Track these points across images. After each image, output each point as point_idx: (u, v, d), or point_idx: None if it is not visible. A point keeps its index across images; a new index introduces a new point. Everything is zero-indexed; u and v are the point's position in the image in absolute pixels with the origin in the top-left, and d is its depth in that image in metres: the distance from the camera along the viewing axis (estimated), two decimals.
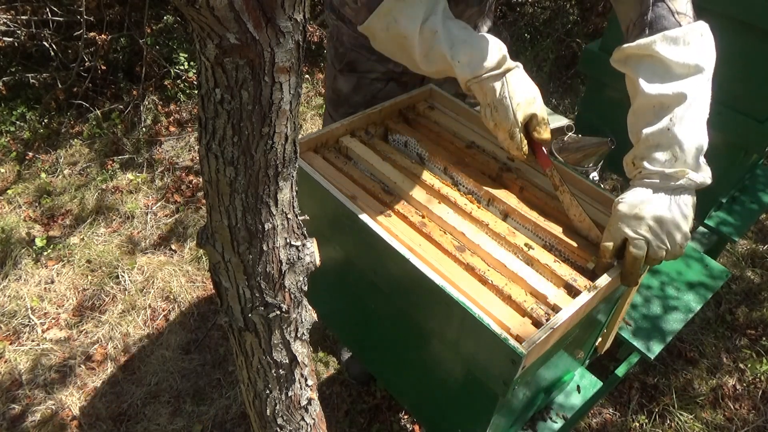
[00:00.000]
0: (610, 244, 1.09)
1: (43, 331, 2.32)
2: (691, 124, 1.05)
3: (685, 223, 1.06)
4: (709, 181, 1.07)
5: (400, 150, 1.41)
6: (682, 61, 1.05)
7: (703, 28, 1.07)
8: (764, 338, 2.41)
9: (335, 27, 1.61)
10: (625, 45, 1.10)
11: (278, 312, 0.88)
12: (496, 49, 1.18)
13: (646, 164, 1.08)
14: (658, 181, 1.07)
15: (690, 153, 1.05)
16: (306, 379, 1.03)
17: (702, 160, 1.07)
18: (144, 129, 3.23)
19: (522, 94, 1.18)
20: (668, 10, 1.07)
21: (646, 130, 1.07)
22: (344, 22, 1.55)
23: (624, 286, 1.15)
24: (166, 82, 3.33)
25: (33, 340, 2.29)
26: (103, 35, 3.06)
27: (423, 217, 1.22)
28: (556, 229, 1.21)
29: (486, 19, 1.61)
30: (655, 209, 1.05)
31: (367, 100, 1.61)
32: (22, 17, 3.04)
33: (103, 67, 3.18)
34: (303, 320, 0.95)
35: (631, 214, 1.07)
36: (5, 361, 2.21)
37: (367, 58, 1.58)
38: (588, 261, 1.15)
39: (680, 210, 1.05)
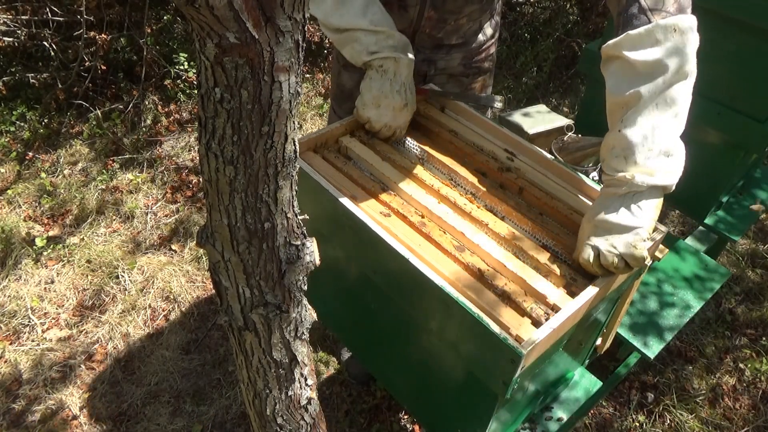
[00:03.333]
0: (575, 255, 1.13)
1: (43, 331, 2.32)
2: (642, 125, 1.03)
3: (637, 222, 1.04)
4: (666, 182, 1.04)
5: (400, 150, 1.41)
6: (643, 60, 1.03)
7: (678, 23, 1.03)
8: (764, 338, 2.41)
9: None
10: (603, 46, 1.10)
11: (278, 311, 0.88)
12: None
13: (604, 167, 1.09)
14: (611, 188, 1.08)
15: (641, 153, 1.03)
16: (306, 379, 1.03)
17: (664, 160, 1.04)
18: (144, 129, 3.23)
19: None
20: (640, 8, 1.05)
21: (608, 132, 1.09)
22: None
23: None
24: (166, 82, 3.33)
25: (33, 340, 2.29)
26: (103, 35, 3.06)
27: (423, 217, 1.22)
28: (553, 229, 1.21)
29: (490, 18, 1.60)
30: (602, 215, 1.07)
31: None
32: (22, 17, 3.04)
33: (103, 67, 3.18)
34: (303, 319, 0.95)
35: (585, 222, 1.11)
36: (5, 361, 2.21)
37: None
38: None
39: (630, 213, 1.05)
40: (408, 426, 2.08)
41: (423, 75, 1.60)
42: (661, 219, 2.93)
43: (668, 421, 2.12)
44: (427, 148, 1.38)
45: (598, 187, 1.27)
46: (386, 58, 1.33)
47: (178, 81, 3.35)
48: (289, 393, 1.02)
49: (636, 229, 1.04)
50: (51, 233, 2.71)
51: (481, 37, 1.60)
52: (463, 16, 1.49)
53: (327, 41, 3.64)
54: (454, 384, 1.20)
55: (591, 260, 1.07)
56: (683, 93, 1.05)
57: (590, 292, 1.06)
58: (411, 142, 1.40)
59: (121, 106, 3.26)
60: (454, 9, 1.46)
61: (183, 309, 2.42)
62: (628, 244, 1.04)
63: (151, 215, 2.82)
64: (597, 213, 1.08)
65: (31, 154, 3.08)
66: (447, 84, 1.64)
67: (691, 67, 1.04)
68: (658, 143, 1.03)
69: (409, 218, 1.21)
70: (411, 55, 1.37)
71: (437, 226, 1.20)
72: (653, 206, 1.05)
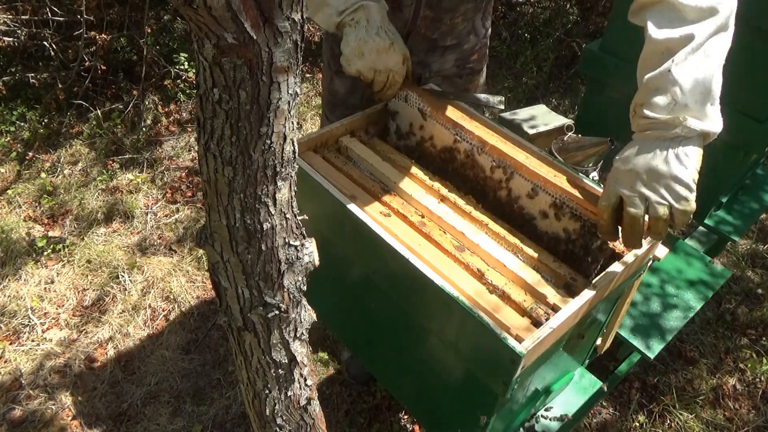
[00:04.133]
0: (605, 204, 1.04)
1: (43, 331, 2.32)
2: (695, 66, 0.97)
3: (686, 174, 0.97)
4: (716, 129, 0.99)
5: (401, 106, 1.39)
6: (694, 4, 0.97)
7: None
8: (764, 338, 2.41)
9: None
10: None
11: (277, 312, 0.88)
12: None
13: (645, 111, 1.01)
14: (653, 131, 1.00)
15: (692, 96, 0.96)
16: (305, 379, 1.03)
17: (711, 107, 0.98)
18: (144, 129, 3.23)
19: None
20: None
21: (648, 75, 1.01)
22: None
23: (630, 248, 1.09)
24: (166, 82, 3.33)
25: (33, 340, 2.29)
26: (103, 35, 3.06)
27: (423, 216, 1.22)
28: (566, 185, 1.19)
29: (484, 17, 1.60)
30: (648, 162, 0.99)
31: (363, 102, 1.61)
32: (23, 17, 3.04)
33: (103, 67, 3.18)
34: (302, 320, 0.95)
35: (625, 169, 1.01)
36: (5, 362, 2.21)
37: None
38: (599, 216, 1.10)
39: (679, 161, 0.98)
40: (408, 426, 2.08)
41: (417, 78, 1.60)
42: None
43: (668, 422, 2.12)
44: (429, 103, 1.35)
45: (598, 187, 1.27)
46: (355, 10, 1.30)
47: (178, 81, 3.36)
48: (289, 393, 1.02)
49: (685, 180, 0.97)
50: (51, 233, 2.71)
51: (473, 38, 1.60)
52: (458, 15, 1.49)
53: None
54: (454, 384, 1.20)
55: (638, 214, 0.99)
56: (726, 44, 1.00)
57: (590, 292, 1.05)
58: (412, 96, 1.38)
59: (121, 106, 3.26)
60: (450, 7, 1.46)
61: (183, 309, 2.42)
62: (679, 196, 0.97)
63: (151, 215, 2.82)
64: (639, 158, 0.99)
65: (31, 154, 3.08)
66: (441, 85, 1.64)
67: (732, 20, 1.00)
68: (708, 87, 0.98)
69: (409, 218, 1.21)
70: (382, 3, 1.34)
71: (437, 226, 1.20)
72: (698, 155, 0.99)
